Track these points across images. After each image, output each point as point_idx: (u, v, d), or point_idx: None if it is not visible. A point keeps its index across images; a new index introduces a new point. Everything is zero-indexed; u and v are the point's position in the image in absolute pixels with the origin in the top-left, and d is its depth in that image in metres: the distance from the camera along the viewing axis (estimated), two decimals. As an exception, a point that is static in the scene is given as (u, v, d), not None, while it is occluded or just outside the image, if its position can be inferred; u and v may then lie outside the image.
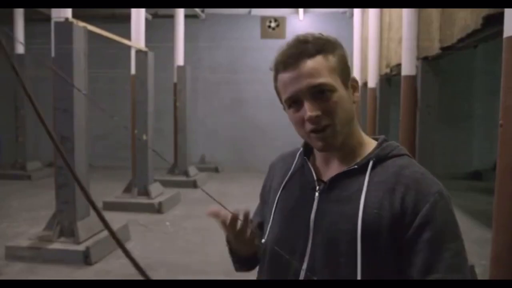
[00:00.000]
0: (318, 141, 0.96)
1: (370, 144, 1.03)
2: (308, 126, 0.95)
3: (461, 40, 3.23)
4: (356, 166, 0.97)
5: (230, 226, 0.98)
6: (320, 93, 0.94)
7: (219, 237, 1.24)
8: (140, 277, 0.88)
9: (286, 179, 1.09)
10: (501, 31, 1.84)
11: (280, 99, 1.01)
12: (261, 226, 1.16)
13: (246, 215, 0.98)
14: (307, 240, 0.98)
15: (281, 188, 1.08)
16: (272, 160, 1.22)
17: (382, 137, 1.05)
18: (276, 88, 1.01)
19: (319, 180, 1.02)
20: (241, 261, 1.15)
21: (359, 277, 0.89)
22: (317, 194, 1.00)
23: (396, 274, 0.90)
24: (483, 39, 3.11)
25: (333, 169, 1.02)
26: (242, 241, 1.04)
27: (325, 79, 0.93)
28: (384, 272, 0.90)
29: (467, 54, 6.89)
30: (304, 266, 0.97)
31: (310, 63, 0.93)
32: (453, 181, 9.10)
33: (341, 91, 0.96)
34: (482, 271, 3.92)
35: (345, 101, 0.96)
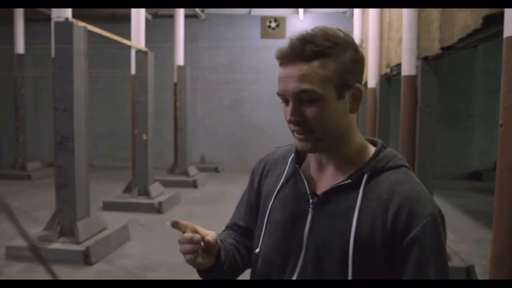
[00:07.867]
0: (298, 142, 0.97)
1: (367, 151, 1.00)
2: (291, 127, 0.96)
3: (461, 40, 3.23)
4: (350, 181, 0.95)
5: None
6: (305, 99, 0.92)
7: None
8: (140, 277, 0.88)
9: (279, 187, 1.06)
10: (501, 31, 1.83)
11: None
12: (247, 232, 1.15)
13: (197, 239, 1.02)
14: (299, 254, 0.99)
15: (273, 197, 1.06)
16: (263, 157, 1.17)
17: (379, 143, 1.01)
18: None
19: (312, 193, 1.00)
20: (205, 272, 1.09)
21: None
22: (310, 208, 0.99)
23: None
24: (483, 39, 3.10)
25: (327, 178, 1.01)
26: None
27: (312, 86, 0.90)
28: None
29: (467, 54, 6.88)
30: (294, 278, 0.98)
31: (303, 68, 0.91)
32: (453, 181, 9.13)
33: (330, 101, 0.92)
34: (482, 271, 3.93)
35: (333, 111, 0.93)
